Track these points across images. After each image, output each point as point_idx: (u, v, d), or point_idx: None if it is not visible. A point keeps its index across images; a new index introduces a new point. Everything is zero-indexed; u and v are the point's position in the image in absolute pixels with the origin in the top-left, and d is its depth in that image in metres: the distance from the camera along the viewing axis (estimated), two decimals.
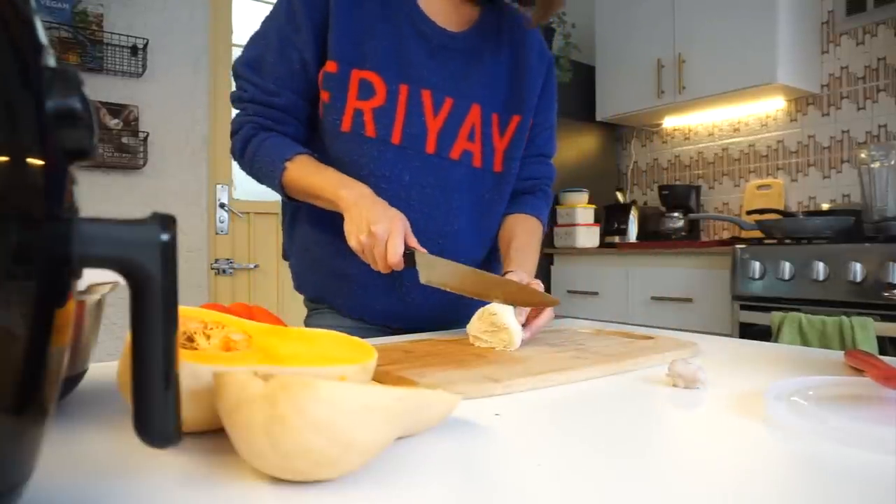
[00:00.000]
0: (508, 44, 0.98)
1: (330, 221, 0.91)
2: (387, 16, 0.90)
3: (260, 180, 0.93)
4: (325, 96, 0.89)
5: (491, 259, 1.06)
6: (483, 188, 0.98)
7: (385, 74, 0.88)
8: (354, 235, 0.78)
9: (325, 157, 0.91)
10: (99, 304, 0.52)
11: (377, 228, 0.75)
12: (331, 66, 0.87)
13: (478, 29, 0.96)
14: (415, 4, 0.92)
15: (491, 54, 0.96)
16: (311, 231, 0.98)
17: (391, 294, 0.95)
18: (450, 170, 0.93)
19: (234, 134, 0.93)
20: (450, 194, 0.94)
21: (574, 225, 3.01)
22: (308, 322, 1.08)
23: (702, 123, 3.19)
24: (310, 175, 0.86)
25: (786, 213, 2.46)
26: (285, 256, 1.10)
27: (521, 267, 0.90)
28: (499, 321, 0.73)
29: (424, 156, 0.91)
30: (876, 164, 2.23)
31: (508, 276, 0.83)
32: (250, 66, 0.91)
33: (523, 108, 0.99)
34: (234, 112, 0.95)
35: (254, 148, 0.90)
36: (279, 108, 0.90)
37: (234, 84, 0.95)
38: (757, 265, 2.21)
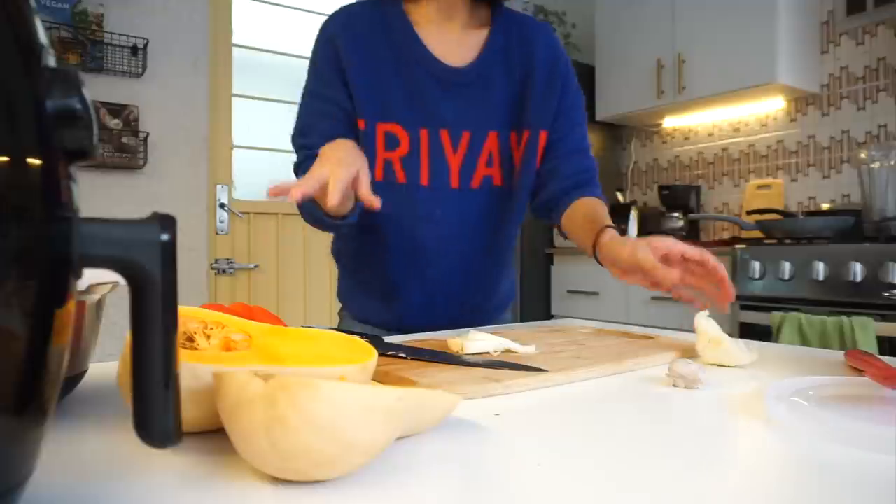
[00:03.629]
0: (519, 59, 1.00)
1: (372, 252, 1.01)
2: (399, 63, 0.95)
3: (310, 220, 0.91)
4: None
5: (501, 278, 1.09)
6: (500, 205, 1.02)
7: (405, 123, 0.95)
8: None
9: None
10: (99, 304, 0.52)
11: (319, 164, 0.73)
12: (360, 123, 0.95)
13: (486, 54, 0.98)
14: (422, 47, 0.96)
15: (503, 76, 0.99)
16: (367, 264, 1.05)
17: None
18: (472, 198, 0.99)
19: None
20: (473, 219, 1.00)
21: None
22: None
23: (702, 123, 3.19)
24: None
25: (786, 214, 2.46)
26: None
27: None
28: (712, 335, 0.69)
29: (450, 191, 0.98)
30: (876, 165, 2.23)
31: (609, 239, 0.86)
32: (301, 133, 0.98)
33: (531, 123, 1.00)
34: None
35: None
36: None
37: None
38: (757, 265, 2.21)
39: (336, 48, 0.95)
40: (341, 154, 0.75)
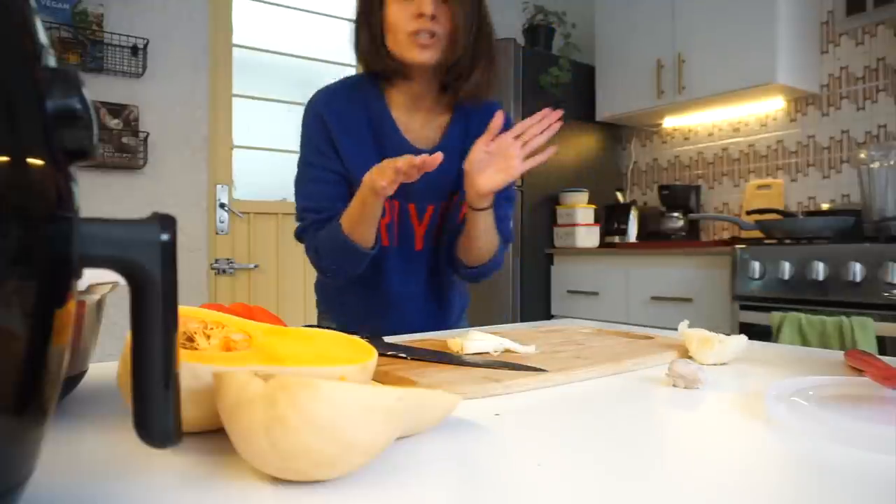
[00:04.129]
0: (474, 137, 1.09)
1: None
2: (376, 140, 1.10)
3: (337, 257, 1.06)
4: None
5: (454, 298, 1.25)
6: (434, 266, 1.18)
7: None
8: (379, 180, 0.93)
9: None
10: (99, 304, 0.52)
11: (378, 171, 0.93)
12: (352, 188, 1.07)
13: (447, 138, 1.13)
14: (395, 128, 1.10)
15: (460, 155, 1.08)
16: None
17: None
18: (430, 256, 1.16)
19: (310, 253, 1.12)
20: (421, 277, 1.17)
21: (574, 225, 3.01)
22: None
23: (702, 123, 3.19)
24: (348, 209, 1.03)
25: (785, 214, 2.46)
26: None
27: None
28: (700, 336, 0.72)
29: (415, 253, 1.15)
30: (875, 165, 2.23)
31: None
32: (304, 197, 1.11)
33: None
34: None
35: (317, 244, 1.09)
36: (333, 216, 1.07)
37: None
38: (757, 265, 2.21)
39: (324, 123, 1.08)
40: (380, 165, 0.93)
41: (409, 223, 1.13)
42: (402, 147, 1.09)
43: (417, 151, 1.05)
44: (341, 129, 1.09)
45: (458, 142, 1.13)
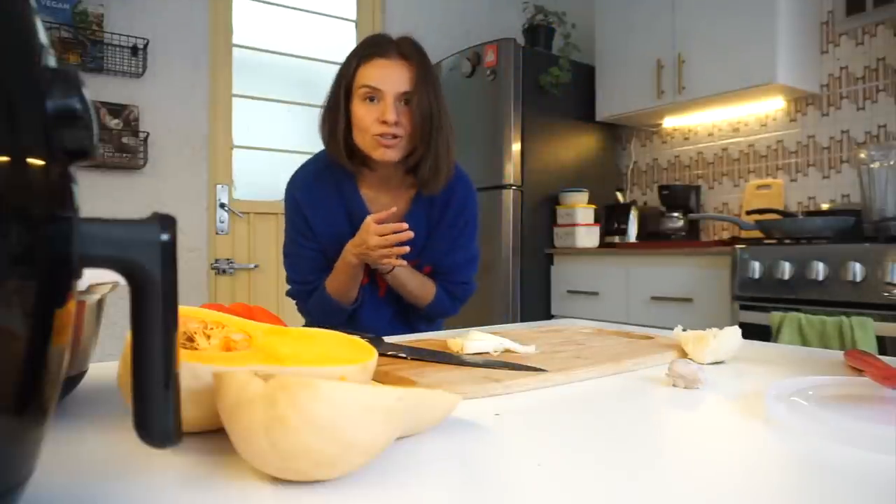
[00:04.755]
0: (436, 215, 1.25)
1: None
2: (348, 217, 1.22)
3: (326, 315, 1.24)
4: None
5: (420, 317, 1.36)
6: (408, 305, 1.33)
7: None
8: (361, 252, 1.13)
9: None
10: (99, 304, 0.52)
11: (363, 249, 1.12)
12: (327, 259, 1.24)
13: (410, 215, 1.23)
14: (363, 207, 1.22)
15: (423, 227, 1.23)
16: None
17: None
18: (393, 301, 1.29)
19: (293, 298, 1.32)
20: (386, 319, 1.30)
21: (574, 225, 3.01)
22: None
23: (702, 123, 3.19)
24: (333, 278, 1.22)
25: (785, 214, 2.46)
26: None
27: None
28: (695, 336, 0.73)
29: (379, 299, 1.28)
30: (875, 165, 2.23)
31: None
32: (290, 267, 1.28)
33: (422, 254, 1.25)
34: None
35: (312, 305, 1.27)
36: (316, 287, 1.25)
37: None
38: (757, 265, 2.21)
39: (299, 205, 1.22)
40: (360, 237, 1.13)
41: (374, 275, 1.26)
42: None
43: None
44: (314, 211, 1.22)
45: (422, 220, 1.24)
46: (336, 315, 1.23)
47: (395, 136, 1.13)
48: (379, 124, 1.12)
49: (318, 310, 1.24)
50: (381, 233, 1.08)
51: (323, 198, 1.22)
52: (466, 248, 1.30)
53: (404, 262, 1.08)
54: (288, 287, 1.31)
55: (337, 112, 1.17)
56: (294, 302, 1.32)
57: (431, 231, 1.26)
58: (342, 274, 1.18)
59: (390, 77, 1.13)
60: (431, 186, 1.20)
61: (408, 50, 1.16)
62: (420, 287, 1.25)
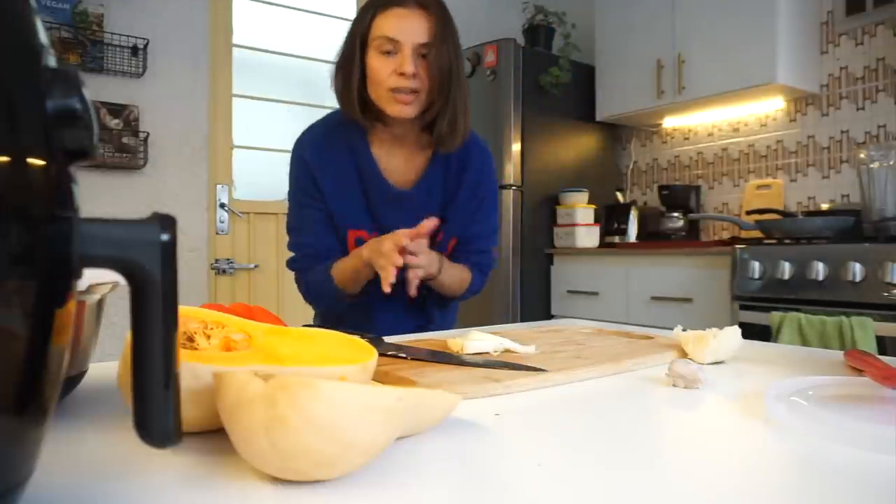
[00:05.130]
0: (453, 178, 1.19)
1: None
2: (359, 177, 1.15)
3: (326, 300, 1.18)
4: None
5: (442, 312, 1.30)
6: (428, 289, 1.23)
7: (368, 230, 1.16)
8: (374, 250, 1.04)
9: None
10: (99, 304, 0.52)
11: (377, 248, 1.03)
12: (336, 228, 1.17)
13: (426, 177, 1.18)
14: (375, 167, 1.15)
15: (439, 192, 1.19)
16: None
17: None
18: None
19: (298, 282, 1.23)
20: (408, 298, 1.18)
21: (574, 225, 3.01)
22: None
23: (701, 123, 3.19)
24: (340, 264, 1.14)
25: (785, 214, 2.46)
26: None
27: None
28: (694, 336, 0.73)
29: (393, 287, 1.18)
30: (875, 165, 2.23)
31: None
32: (292, 231, 1.20)
33: (447, 230, 1.19)
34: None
35: (307, 284, 1.19)
36: (322, 255, 1.16)
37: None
38: (756, 265, 2.21)
39: (307, 165, 1.14)
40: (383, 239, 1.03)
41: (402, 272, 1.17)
42: (382, 188, 1.16)
43: (396, 193, 1.16)
44: (323, 172, 1.14)
45: (438, 181, 1.18)
46: (332, 300, 1.16)
47: (412, 92, 1.07)
48: (396, 77, 1.06)
49: (317, 288, 1.17)
50: (399, 244, 1.00)
51: (333, 157, 1.15)
52: (488, 217, 1.24)
53: (393, 279, 0.98)
54: (290, 255, 1.23)
55: (351, 64, 1.10)
56: (293, 276, 1.23)
57: (449, 199, 1.20)
58: (350, 264, 1.11)
59: (408, 27, 1.06)
60: (448, 143, 1.13)
61: (427, 0, 1.09)
62: (459, 281, 1.19)
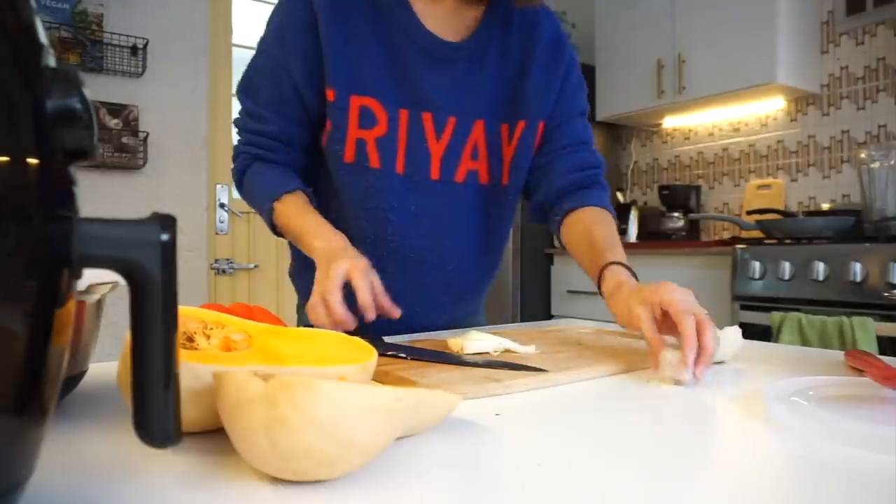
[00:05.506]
0: (518, 42, 0.91)
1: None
2: (382, 32, 0.84)
3: (260, 214, 0.89)
4: (328, 125, 0.86)
5: (485, 287, 1.04)
6: (489, 205, 0.94)
7: (385, 100, 0.84)
8: (315, 291, 0.72)
9: (332, 185, 0.90)
10: (99, 304, 0.52)
11: (329, 285, 0.70)
12: (329, 94, 0.84)
13: (482, 31, 0.88)
14: (412, 16, 0.85)
15: (498, 58, 0.89)
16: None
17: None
18: (455, 194, 0.90)
19: (233, 162, 0.93)
20: (457, 219, 0.91)
21: None
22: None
23: (702, 123, 3.19)
24: (292, 217, 0.83)
25: (786, 214, 2.46)
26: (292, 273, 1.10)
27: (620, 258, 0.80)
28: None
29: (429, 182, 0.88)
30: (876, 165, 2.23)
31: (614, 271, 0.77)
32: (245, 91, 0.90)
33: (528, 112, 0.90)
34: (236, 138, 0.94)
35: (248, 181, 0.89)
36: (269, 136, 0.87)
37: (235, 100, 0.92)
38: (757, 265, 2.21)
39: (312, 12, 0.83)
40: (348, 267, 0.71)
41: (421, 141, 0.87)
42: (421, 40, 0.85)
43: (443, 43, 0.86)
44: (333, 20, 0.82)
45: (497, 36, 0.89)
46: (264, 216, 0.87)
47: None
48: None
49: (253, 203, 0.89)
50: (330, 305, 0.70)
51: (352, 7, 0.84)
52: (579, 91, 0.96)
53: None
54: (239, 141, 0.91)
55: None
56: (231, 167, 0.93)
57: (517, 72, 0.90)
58: (296, 227, 0.82)
59: None
60: None
61: None
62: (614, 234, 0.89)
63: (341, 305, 0.69)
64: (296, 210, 0.84)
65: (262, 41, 0.89)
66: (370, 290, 0.71)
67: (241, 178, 0.91)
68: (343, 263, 0.71)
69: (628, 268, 0.78)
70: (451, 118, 0.88)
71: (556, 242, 0.96)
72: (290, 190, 0.85)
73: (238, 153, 0.91)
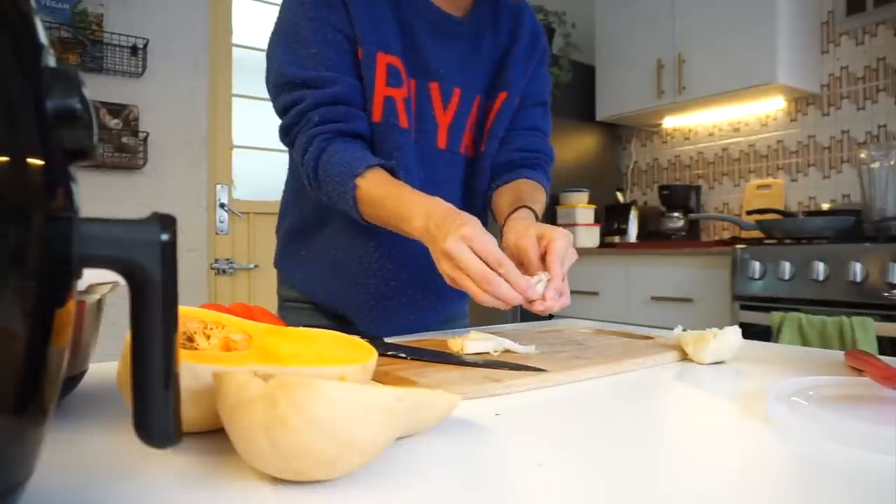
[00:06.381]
0: (507, 20, 0.95)
1: (360, 231, 0.88)
2: (394, 4, 0.86)
3: (337, 206, 0.82)
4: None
5: None
6: (468, 173, 0.97)
7: (403, 59, 0.85)
8: (443, 272, 0.70)
9: None
10: (99, 304, 0.52)
11: (448, 260, 0.68)
12: (359, 52, 0.83)
13: (478, 10, 0.93)
14: None
15: (490, 35, 0.94)
16: (339, 237, 0.93)
17: (407, 311, 0.96)
18: (457, 165, 0.95)
19: (303, 158, 0.82)
20: (453, 188, 0.95)
21: (574, 225, 3.01)
22: (287, 316, 1.05)
23: (702, 123, 3.19)
24: (379, 201, 0.77)
25: (786, 214, 2.47)
26: (277, 262, 1.09)
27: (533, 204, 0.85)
28: (695, 336, 0.71)
29: (437, 151, 0.91)
30: (876, 165, 2.23)
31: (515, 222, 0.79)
32: (296, 65, 0.81)
33: (509, 86, 0.94)
34: (295, 140, 0.84)
35: (324, 167, 0.80)
36: (343, 101, 0.81)
37: (274, 111, 0.85)
38: (757, 265, 2.21)
39: None
40: (455, 231, 0.69)
41: (429, 110, 0.89)
42: (429, 12, 0.88)
43: (448, 18, 0.89)
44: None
45: (489, 14, 0.94)
46: (342, 204, 0.80)
47: None
48: None
49: (331, 194, 0.80)
50: (482, 256, 0.68)
51: None
52: (544, 91, 1.01)
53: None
54: (287, 121, 0.83)
55: None
56: (286, 140, 0.85)
57: (504, 50, 0.95)
58: (393, 210, 0.75)
59: None
60: None
61: None
62: (538, 194, 0.92)
63: (497, 281, 0.67)
64: (380, 191, 0.77)
65: (293, 13, 0.84)
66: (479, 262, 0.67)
67: (316, 169, 0.81)
68: (450, 246, 0.67)
69: (538, 217, 0.84)
70: (456, 89, 0.91)
71: (488, 217, 0.92)
72: (371, 165, 0.78)
73: (310, 140, 0.81)
